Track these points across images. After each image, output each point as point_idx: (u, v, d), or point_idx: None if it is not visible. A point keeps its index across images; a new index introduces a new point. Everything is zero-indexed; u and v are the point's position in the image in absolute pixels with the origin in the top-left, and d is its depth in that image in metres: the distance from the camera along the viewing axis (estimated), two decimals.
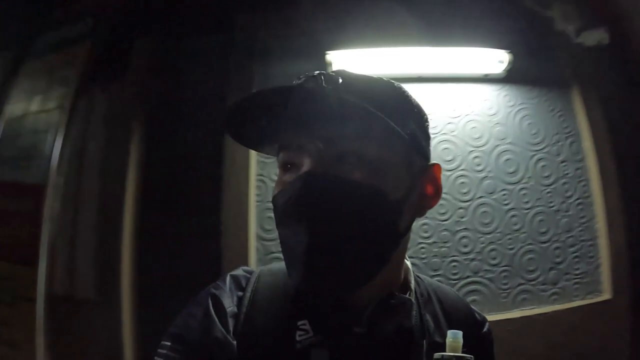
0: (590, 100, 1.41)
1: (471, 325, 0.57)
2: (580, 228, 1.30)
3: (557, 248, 1.27)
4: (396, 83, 0.52)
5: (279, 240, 0.50)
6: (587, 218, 1.31)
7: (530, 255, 1.26)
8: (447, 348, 0.43)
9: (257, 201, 1.20)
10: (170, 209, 1.19)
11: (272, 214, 1.19)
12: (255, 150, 0.58)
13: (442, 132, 1.36)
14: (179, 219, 1.18)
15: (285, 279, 0.51)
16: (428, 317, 0.53)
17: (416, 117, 0.51)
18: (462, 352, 0.44)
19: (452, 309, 0.57)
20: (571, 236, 1.29)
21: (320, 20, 1.20)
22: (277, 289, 0.53)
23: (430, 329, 0.52)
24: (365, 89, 0.48)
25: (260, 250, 1.17)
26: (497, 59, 1.39)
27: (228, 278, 0.55)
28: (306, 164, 0.45)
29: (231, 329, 0.49)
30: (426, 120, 0.53)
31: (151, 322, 1.19)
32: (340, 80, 0.47)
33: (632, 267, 1.22)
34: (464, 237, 1.25)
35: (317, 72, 0.49)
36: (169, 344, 0.47)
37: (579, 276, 1.27)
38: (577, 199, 1.32)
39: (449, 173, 1.31)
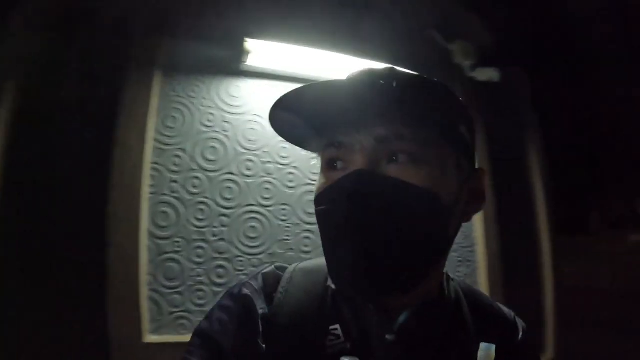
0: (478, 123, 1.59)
1: (504, 332, 0.54)
2: (462, 236, 1.43)
3: None
4: (447, 85, 0.50)
5: (323, 239, 0.46)
6: (467, 228, 1.45)
7: None
8: None
9: (151, 193, 1.07)
10: (44, 199, 0.98)
11: (167, 209, 1.09)
12: (299, 146, 0.53)
13: None
14: (55, 212, 0.99)
15: (319, 279, 0.51)
16: (459, 324, 0.51)
17: (466, 121, 0.49)
18: None
19: (484, 316, 0.54)
20: (455, 243, 1.41)
21: (240, 5, 1.14)
22: (309, 290, 0.51)
23: (461, 337, 0.50)
24: (419, 89, 0.47)
25: (153, 250, 1.05)
26: None
27: (260, 277, 0.53)
28: (357, 162, 0.43)
29: (261, 331, 0.47)
30: (473, 124, 0.51)
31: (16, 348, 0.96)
32: (395, 79, 0.45)
33: (504, 270, 1.39)
34: None
35: (370, 68, 0.48)
36: (199, 342, 0.47)
37: (460, 277, 1.39)
38: None
39: None
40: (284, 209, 1.22)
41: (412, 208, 0.42)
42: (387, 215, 0.41)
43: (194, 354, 0.46)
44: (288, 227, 1.21)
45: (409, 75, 0.47)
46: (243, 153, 1.22)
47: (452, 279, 0.56)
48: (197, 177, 1.14)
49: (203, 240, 1.10)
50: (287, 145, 1.27)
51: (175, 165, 1.12)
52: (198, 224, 1.11)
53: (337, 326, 0.47)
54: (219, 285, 1.08)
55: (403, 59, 1.43)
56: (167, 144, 1.12)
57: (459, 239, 1.42)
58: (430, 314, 0.48)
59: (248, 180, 1.20)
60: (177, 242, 1.07)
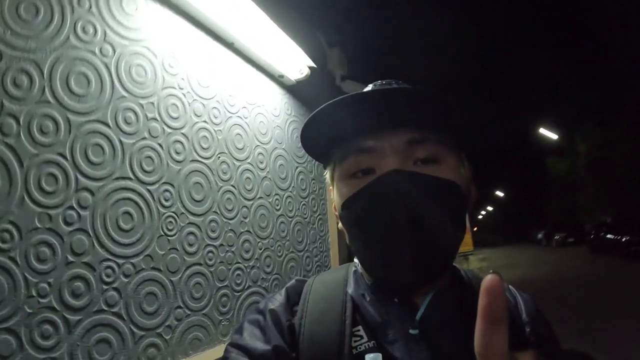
0: None
1: (513, 312, 0.56)
2: (320, 240, 1.43)
3: (307, 257, 1.33)
4: (461, 97, 0.47)
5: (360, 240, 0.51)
6: (324, 232, 1.46)
7: (292, 264, 1.25)
8: None
9: None
10: None
11: None
12: (320, 159, 0.59)
13: (238, 114, 1.14)
14: None
15: (336, 287, 0.53)
16: (471, 310, 0.49)
17: (472, 128, 0.54)
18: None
19: None
20: (315, 247, 1.39)
21: None
22: (329, 298, 0.52)
23: (474, 322, 0.49)
24: (443, 99, 0.49)
25: None
26: (299, 67, 1.35)
27: (283, 291, 0.55)
28: (389, 164, 0.47)
29: (289, 340, 0.49)
30: (476, 131, 0.56)
31: None
32: (420, 90, 0.47)
33: None
34: (246, 240, 1.07)
35: (394, 81, 0.54)
36: (234, 354, 0.47)
37: None
38: (319, 214, 1.46)
39: (238, 163, 1.10)
40: (167, 191, 0.85)
41: (445, 198, 0.48)
42: (427, 205, 0.46)
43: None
44: (171, 216, 0.85)
45: (430, 88, 0.51)
46: (124, 97, 0.77)
47: (459, 269, 0.60)
48: (51, 117, 0.63)
49: (51, 231, 0.61)
50: (178, 102, 0.91)
51: (18, 87, 0.58)
52: (44, 200, 0.61)
53: (360, 327, 0.49)
54: (76, 311, 0.62)
55: (305, 44, 1.31)
56: (13, 47, 0.56)
57: (318, 243, 1.41)
58: (447, 302, 0.51)
59: (125, 139, 0.77)
60: (6, 232, 0.55)
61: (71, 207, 0.65)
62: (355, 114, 0.47)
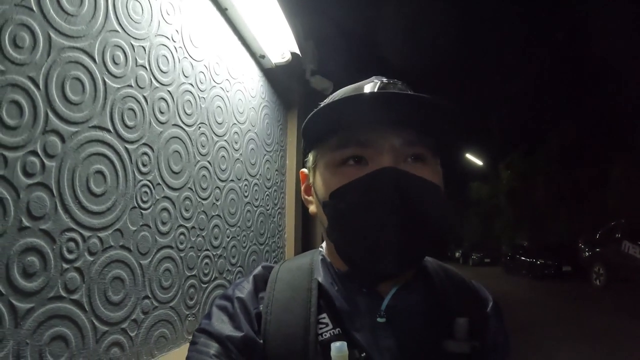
0: (300, 125, 1.51)
1: (476, 303, 0.55)
2: (278, 235, 1.29)
3: (267, 252, 1.19)
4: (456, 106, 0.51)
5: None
6: (282, 227, 1.33)
7: (254, 257, 1.09)
8: None
9: None
10: None
11: None
12: (312, 145, 0.55)
13: (221, 85, 0.98)
14: None
15: (302, 274, 0.52)
16: (436, 300, 0.52)
17: (462, 133, 0.55)
18: (469, 336, 0.45)
19: (458, 291, 0.55)
20: (274, 241, 1.25)
21: None
22: (295, 285, 0.51)
23: (438, 312, 0.50)
24: (443, 106, 0.48)
25: None
26: (282, 51, 1.23)
27: (251, 279, 0.53)
28: (385, 160, 0.46)
29: (257, 328, 0.47)
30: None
31: None
32: (423, 95, 0.47)
33: None
34: (216, 226, 0.90)
35: (395, 80, 0.52)
36: (203, 338, 0.46)
37: None
38: (279, 207, 1.33)
39: (216, 138, 0.93)
40: (146, 154, 0.67)
41: (432, 200, 0.48)
42: (417, 204, 0.46)
43: (200, 351, 0.44)
44: (147, 185, 0.67)
45: (437, 97, 0.51)
46: (116, 32, 0.59)
47: (425, 260, 0.58)
48: (29, 28, 0.43)
49: (4, 181, 0.40)
50: (169, 55, 0.74)
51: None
52: (0, 135, 0.40)
53: (325, 315, 0.48)
54: (27, 296, 0.41)
55: (293, 27, 1.20)
56: None
57: (276, 237, 1.28)
58: (412, 292, 0.51)
59: (110, 81, 0.58)
60: None
61: (34, 153, 0.45)
62: (364, 109, 0.47)
